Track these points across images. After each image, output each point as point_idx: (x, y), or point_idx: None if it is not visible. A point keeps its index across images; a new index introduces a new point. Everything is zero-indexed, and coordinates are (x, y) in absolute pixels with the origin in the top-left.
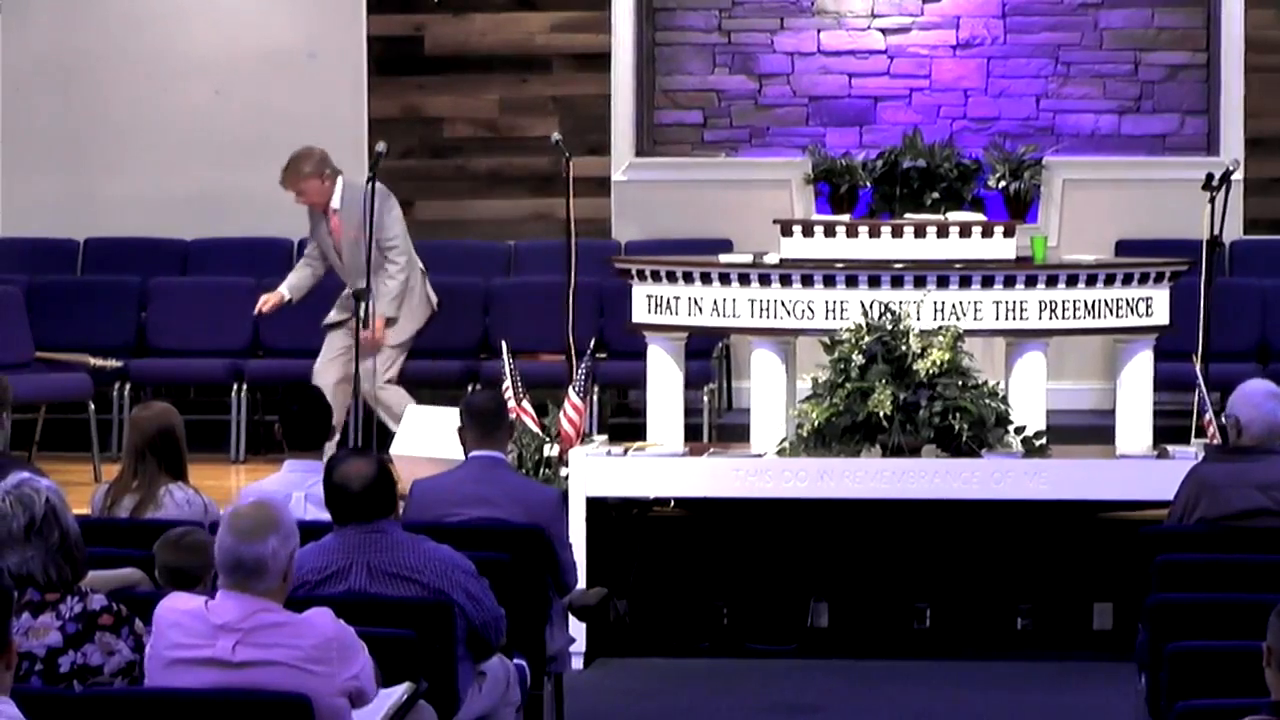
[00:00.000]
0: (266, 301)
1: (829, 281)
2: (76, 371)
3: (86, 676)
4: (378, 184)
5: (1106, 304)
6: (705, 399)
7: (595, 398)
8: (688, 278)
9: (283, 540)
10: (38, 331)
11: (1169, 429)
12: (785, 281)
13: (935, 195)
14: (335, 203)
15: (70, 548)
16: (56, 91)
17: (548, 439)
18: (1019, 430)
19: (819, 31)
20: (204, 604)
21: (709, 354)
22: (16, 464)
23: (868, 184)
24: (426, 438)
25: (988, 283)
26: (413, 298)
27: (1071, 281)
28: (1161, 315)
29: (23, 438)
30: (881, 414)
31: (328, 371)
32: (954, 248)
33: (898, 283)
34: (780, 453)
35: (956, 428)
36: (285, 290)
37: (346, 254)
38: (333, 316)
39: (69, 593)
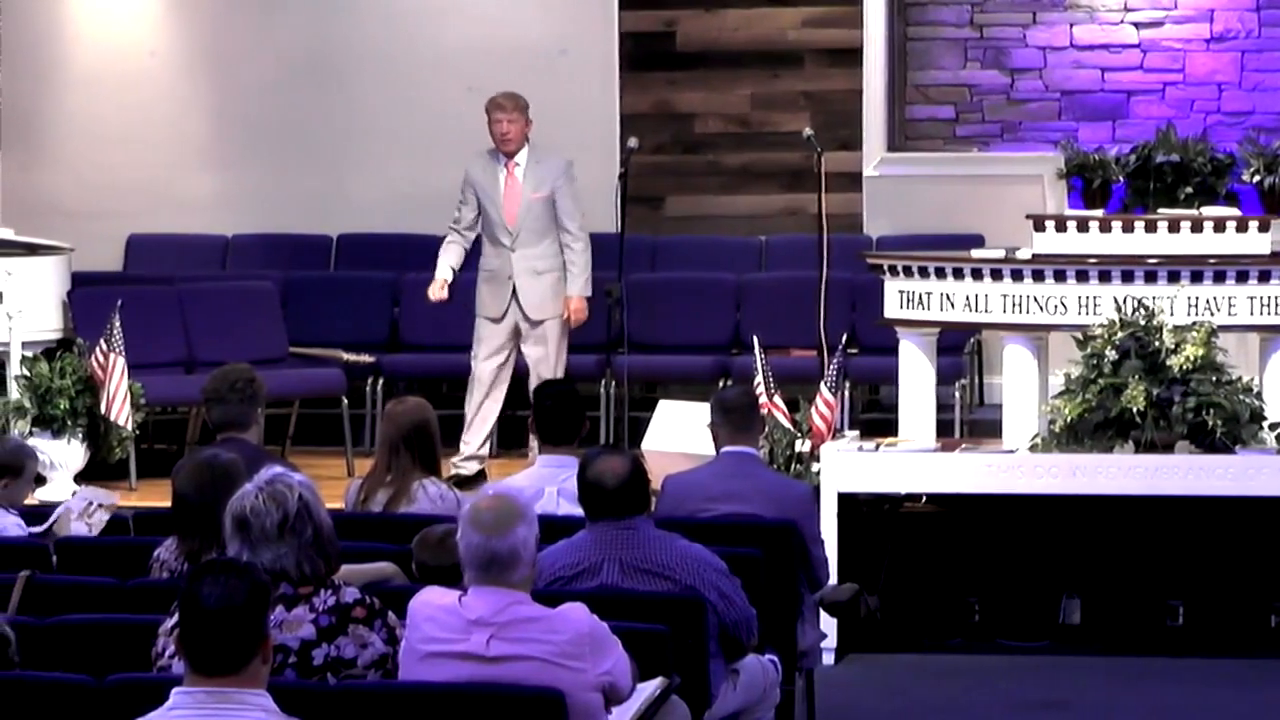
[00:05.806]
0: (440, 289)
1: (1082, 277)
2: (330, 367)
3: (340, 669)
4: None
5: None
6: (957, 394)
7: (847, 393)
8: (939, 273)
9: (529, 527)
10: (291, 327)
11: None
12: (1038, 277)
13: (1189, 190)
14: (520, 158)
15: (323, 542)
16: (311, 88)
17: (799, 434)
18: (1274, 427)
19: (1071, 26)
20: (458, 598)
21: (961, 349)
22: (270, 459)
23: (1121, 179)
24: (678, 433)
25: (1242, 278)
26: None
27: None
28: None
29: (277, 433)
30: (1134, 410)
31: (491, 377)
32: (1208, 242)
33: (1151, 278)
34: (1032, 448)
35: (1210, 424)
36: (448, 273)
37: (521, 216)
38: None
39: (322, 586)
